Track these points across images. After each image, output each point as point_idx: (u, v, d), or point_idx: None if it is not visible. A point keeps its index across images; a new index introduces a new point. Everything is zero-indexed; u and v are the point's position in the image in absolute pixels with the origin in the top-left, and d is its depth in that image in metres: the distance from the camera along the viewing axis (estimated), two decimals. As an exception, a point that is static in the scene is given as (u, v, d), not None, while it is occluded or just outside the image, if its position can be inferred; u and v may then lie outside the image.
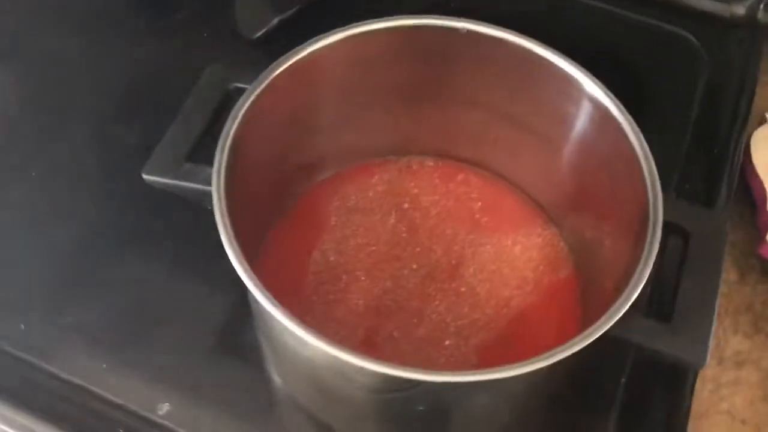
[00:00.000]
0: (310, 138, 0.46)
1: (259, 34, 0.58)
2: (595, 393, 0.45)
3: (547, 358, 0.34)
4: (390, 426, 0.45)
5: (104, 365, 0.46)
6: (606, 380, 0.45)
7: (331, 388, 0.41)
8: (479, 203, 0.50)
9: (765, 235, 0.51)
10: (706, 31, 0.59)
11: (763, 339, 0.53)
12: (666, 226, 0.37)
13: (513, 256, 0.48)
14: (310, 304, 0.45)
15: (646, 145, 0.38)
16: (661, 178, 0.38)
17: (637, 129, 0.38)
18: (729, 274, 0.52)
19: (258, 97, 0.40)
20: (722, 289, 0.38)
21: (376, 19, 0.42)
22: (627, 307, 0.34)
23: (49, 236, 0.51)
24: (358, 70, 0.44)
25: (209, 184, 0.38)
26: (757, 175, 0.54)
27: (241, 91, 0.42)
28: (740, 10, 0.58)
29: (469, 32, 0.43)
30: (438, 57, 0.44)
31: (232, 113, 0.39)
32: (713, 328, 0.35)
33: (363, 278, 0.46)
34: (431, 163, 0.51)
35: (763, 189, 0.53)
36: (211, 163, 0.39)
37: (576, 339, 0.34)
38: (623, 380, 0.45)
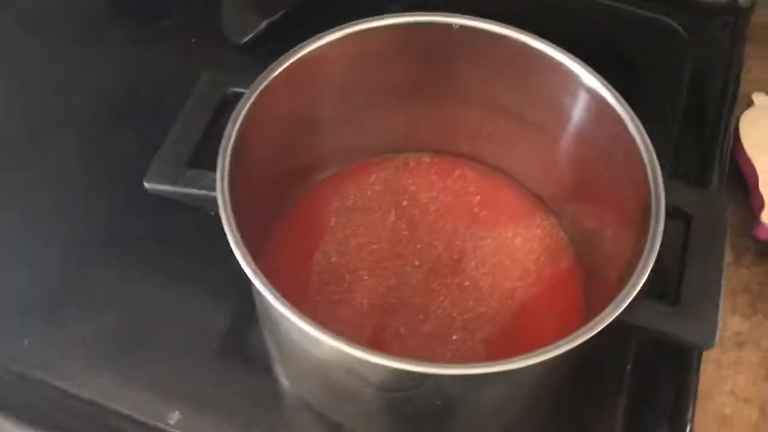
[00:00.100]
0: (309, 138, 0.46)
1: (247, 38, 0.58)
2: (603, 378, 0.46)
3: (559, 347, 0.34)
4: (400, 422, 0.45)
5: (111, 377, 0.46)
6: (613, 366, 0.46)
7: (340, 386, 0.41)
8: (477, 197, 0.50)
9: (759, 216, 0.52)
10: (689, 18, 0.60)
11: (761, 319, 0.53)
12: (667, 210, 0.37)
13: (514, 248, 0.48)
14: (314, 305, 0.45)
15: (645, 133, 0.38)
16: (654, 165, 0.38)
17: (636, 118, 0.39)
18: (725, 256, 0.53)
19: (257, 99, 0.40)
20: (720, 270, 0.39)
21: (373, 17, 0.42)
22: (635, 293, 0.35)
23: (48, 249, 0.50)
24: (356, 68, 0.44)
25: (212, 189, 0.38)
26: (747, 158, 0.54)
27: (238, 96, 0.42)
28: (722, -5, 0.59)
29: (462, 28, 0.43)
30: (434, 53, 0.44)
31: (233, 117, 0.39)
32: (721, 309, 0.36)
33: (366, 277, 0.47)
34: (428, 160, 0.51)
35: (754, 171, 0.54)
36: (212, 168, 0.39)
37: (587, 326, 0.34)
38: (629, 365, 0.46)
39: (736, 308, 0.53)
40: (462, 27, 0.43)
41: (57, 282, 0.49)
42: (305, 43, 0.42)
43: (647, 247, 0.36)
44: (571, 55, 0.41)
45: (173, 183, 0.39)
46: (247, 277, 0.40)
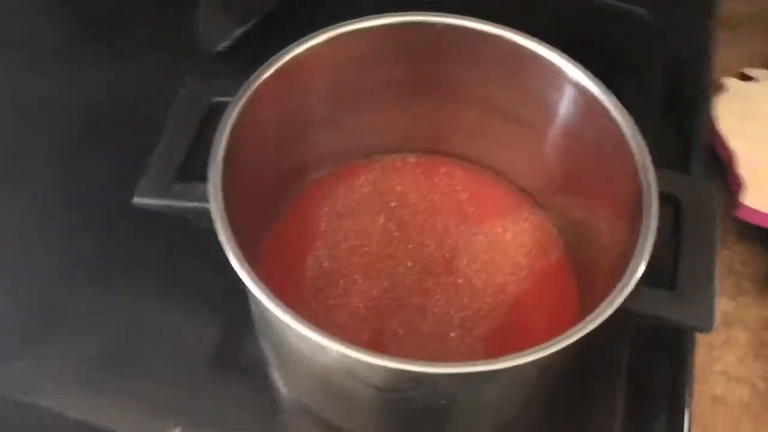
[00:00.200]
0: (298, 143, 0.46)
1: (222, 46, 0.57)
2: (599, 367, 0.46)
3: (562, 340, 0.34)
4: (402, 423, 0.44)
5: (108, 397, 0.45)
6: (609, 353, 0.46)
7: (340, 389, 0.41)
8: (465, 194, 0.50)
9: (739, 198, 0.53)
10: (661, 7, 0.61)
11: (746, 299, 0.55)
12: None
13: (505, 243, 0.48)
14: (310, 311, 0.45)
15: (634, 124, 0.39)
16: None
17: (624, 110, 0.39)
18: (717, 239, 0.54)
19: (244, 107, 0.39)
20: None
21: (359, 18, 0.42)
22: (635, 282, 0.35)
23: (34, 270, 0.49)
24: (342, 71, 0.44)
25: (204, 201, 0.38)
26: (723, 141, 0.55)
27: (222, 105, 0.41)
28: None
29: (447, 26, 0.43)
30: (421, 53, 0.44)
31: (221, 127, 0.39)
32: (717, 293, 0.36)
33: (360, 281, 0.46)
34: (413, 160, 0.51)
35: (731, 153, 0.55)
36: (201, 180, 0.39)
37: (589, 318, 0.34)
38: (624, 352, 0.46)
39: (721, 289, 0.54)
40: (446, 26, 0.43)
41: (45, 303, 0.48)
42: (290, 47, 0.41)
43: (642, 237, 0.36)
44: (557, 50, 0.41)
45: (163, 197, 0.39)
46: (243, 286, 0.39)
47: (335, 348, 0.34)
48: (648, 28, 0.61)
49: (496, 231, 0.49)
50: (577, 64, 0.41)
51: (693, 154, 0.53)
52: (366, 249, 0.48)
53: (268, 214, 0.47)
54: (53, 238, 0.51)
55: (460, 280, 0.46)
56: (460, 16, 0.43)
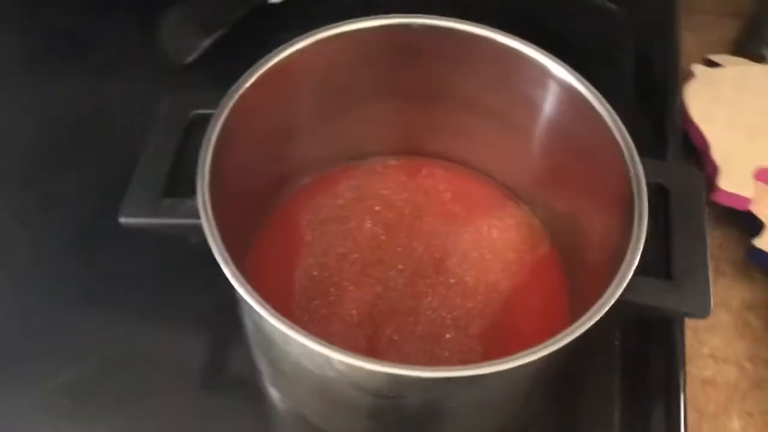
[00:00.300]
0: (280, 151, 0.45)
1: (191, 58, 0.56)
2: (594, 357, 0.46)
3: (564, 337, 0.34)
4: (403, 427, 0.44)
5: (93, 424, 0.44)
6: (602, 341, 0.47)
7: (339, 398, 0.41)
8: (449, 194, 0.50)
9: (716, 182, 0.54)
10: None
11: (726, 282, 0.55)
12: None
13: (492, 240, 0.48)
14: (303, 323, 0.44)
15: (617, 117, 0.39)
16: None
17: (607, 104, 0.39)
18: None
19: (227, 118, 0.39)
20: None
21: (336, 23, 0.42)
22: (630, 274, 0.35)
23: (9, 299, 0.48)
24: (321, 76, 0.43)
25: (192, 216, 0.37)
26: (696, 126, 0.56)
27: (204, 118, 0.41)
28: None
29: (421, 27, 0.43)
30: (398, 55, 0.44)
31: (205, 140, 0.38)
32: (711, 279, 0.37)
33: (351, 288, 0.46)
34: (394, 162, 0.51)
35: (705, 139, 0.56)
36: (187, 195, 0.38)
37: (590, 312, 0.34)
38: (617, 339, 0.47)
39: (702, 273, 0.55)
40: (422, 26, 0.43)
41: (24, 328, 0.47)
42: (270, 55, 0.41)
43: (635, 228, 0.36)
44: (539, 48, 0.41)
45: (151, 215, 0.38)
46: (236, 301, 0.39)
47: (339, 358, 0.33)
48: (615, 19, 0.61)
49: (482, 229, 0.49)
50: (560, 62, 0.41)
51: (669, 141, 0.54)
52: (355, 255, 0.47)
53: (252, 227, 0.47)
54: (29, 260, 0.50)
55: (452, 280, 0.46)
56: (438, 17, 0.43)
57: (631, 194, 0.38)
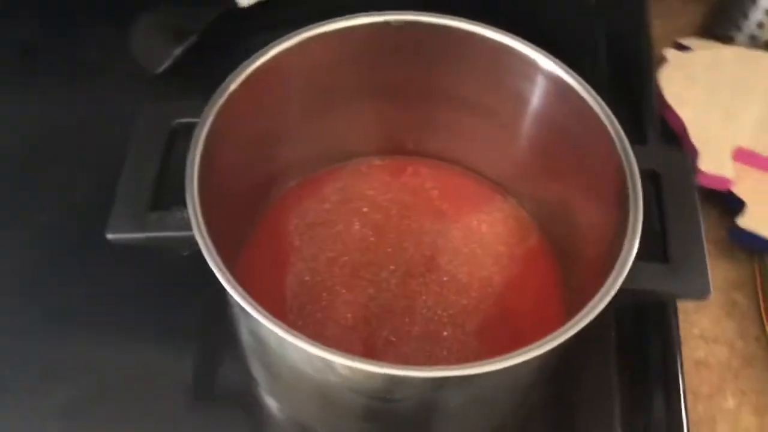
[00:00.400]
0: (265, 156, 0.45)
1: (164, 67, 0.55)
2: (589, 341, 0.46)
3: (571, 328, 0.34)
4: (405, 427, 0.44)
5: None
6: (597, 328, 0.46)
7: (339, 402, 0.40)
8: (435, 191, 0.50)
9: (696, 165, 0.54)
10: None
11: (710, 262, 0.55)
12: (637, 172, 0.38)
13: (481, 235, 0.48)
14: (297, 328, 0.42)
15: (606, 106, 0.39)
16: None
17: (595, 93, 0.39)
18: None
19: (212, 125, 0.38)
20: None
21: (319, 23, 0.41)
22: (631, 260, 0.35)
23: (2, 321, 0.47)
24: (304, 77, 0.43)
25: (182, 228, 0.36)
26: (672, 110, 0.57)
27: (186, 126, 0.40)
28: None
29: (401, 23, 0.42)
30: (382, 53, 0.43)
31: (191, 149, 0.37)
32: (707, 260, 0.37)
33: (344, 291, 0.45)
34: (379, 162, 0.50)
35: (682, 122, 0.56)
36: (174, 206, 0.37)
37: (594, 300, 0.34)
38: (612, 324, 0.47)
39: (687, 255, 0.55)
40: (402, 23, 0.42)
41: (7, 352, 0.46)
42: (251, 59, 0.40)
43: (632, 215, 0.36)
44: (524, 41, 0.41)
45: (139, 229, 0.37)
46: (232, 310, 0.38)
47: (341, 362, 0.33)
48: (585, 8, 0.62)
49: (471, 224, 0.48)
50: (548, 54, 0.41)
51: (648, 127, 0.54)
52: (345, 258, 0.47)
53: (240, 235, 0.46)
54: (9, 281, 0.48)
55: (445, 278, 0.46)
56: (417, 13, 0.42)
57: (623, 182, 0.38)
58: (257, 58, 0.39)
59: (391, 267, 0.46)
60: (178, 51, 0.55)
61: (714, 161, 0.54)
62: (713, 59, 0.59)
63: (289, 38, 0.40)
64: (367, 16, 0.41)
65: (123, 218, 0.37)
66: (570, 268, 0.46)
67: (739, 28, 0.63)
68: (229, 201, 0.42)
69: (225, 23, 0.59)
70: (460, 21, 0.41)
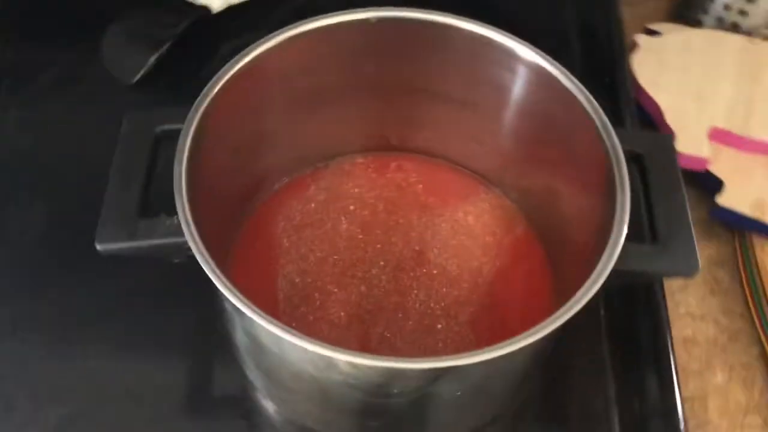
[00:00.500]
0: (249, 159, 0.44)
1: (138, 76, 0.55)
2: (580, 324, 0.47)
3: (566, 311, 0.34)
4: (405, 422, 0.44)
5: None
6: (586, 310, 0.47)
7: (338, 398, 0.40)
8: (420, 186, 0.50)
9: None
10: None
11: (692, 241, 0.57)
12: (621, 155, 0.39)
13: (468, 226, 0.48)
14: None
15: (587, 92, 0.39)
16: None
17: (576, 80, 0.40)
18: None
19: (197, 130, 0.38)
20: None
21: (297, 23, 0.41)
22: (621, 242, 0.35)
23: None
24: (285, 78, 0.43)
25: (173, 235, 0.36)
26: (647, 94, 0.58)
27: (170, 133, 0.39)
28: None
29: (379, 20, 0.43)
30: (359, 50, 0.43)
31: (177, 156, 0.37)
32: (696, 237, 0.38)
33: (336, 290, 0.45)
34: (361, 160, 0.50)
35: (657, 106, 0.57)
36: (162, 213, 0.37)
37: (588, 283, 0.35)
38: (601, 306, 0.47)
39: (669, 236, 0.56)
40: (381, 20, 0.42)
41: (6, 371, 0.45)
42: (230, 63, 0.40)
43: (619, 198, 0.37)
44: (503, 31, 0.41)
45: (129, 239, 0.36)
46: (229, 315, 0.38)
47: (346, 359, 0.33)
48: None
49: (457, 216, 0.49)
50: (527, 44, 0.41)
51: (624, 112, 0.55)
52: (334, 257, 0.47)
53: (229, 239, 0.46)
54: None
55: (435, 271, 0.46)
56: (395, 8, 0.43)
57: (608, 165, 0.38)
58: (239, 60, 0.39)
59: (381, 263, 0.46)
60: (152, 60, 0.55)
61: (691, 142, 0.54)
62: (683, 43, 0.60)
63: (269, 39, 0.40)
64: (345, 13, 0.41)
65: (112, 228, 0.36)
66: (559, 254, 0.46)
67: (705, 11, 0.64)
68: (216, 206, 0.41)
69: (196, 30, 0.59)
70: (438, 14, 0.42)
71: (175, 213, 0.36)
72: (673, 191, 0.39)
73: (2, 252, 0.49)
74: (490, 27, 0.41)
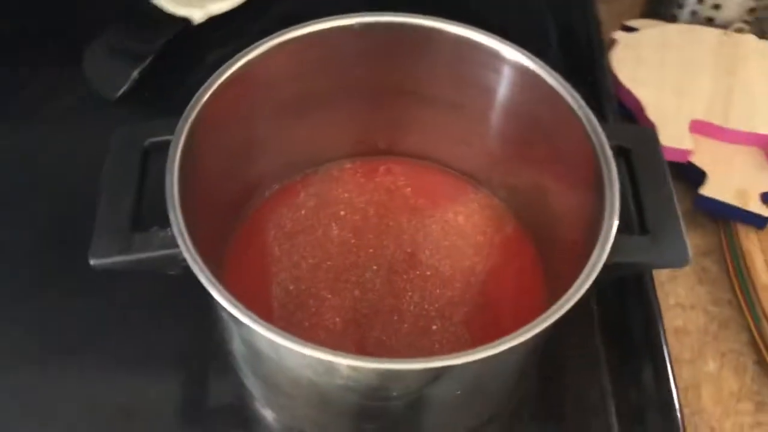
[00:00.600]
0: (238, 168, 0.44)
1: (121, 91, 0.55)
2: (572, 317, 0.47)
3: (562, 306, 0.34)
4: (403, 423, 0.44)
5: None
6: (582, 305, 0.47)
7: (338, 402, 0.40)
8: (409, 189, 0.50)
9: (656, 140, 0.56)
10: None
11: (680, 232, 0.58)
12: (608, 150, 0.39)
13: (459, 226, 0.49)
14: (288, 337, 0.44)
15: (573, 90, 0.40)
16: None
17: (561, 78, 0.40)
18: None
19: (186, 141, 0.38)
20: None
21: (282, 30, 0.41)
22: (613, 236, 0.36)
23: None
24: (270, 86, 0.43)
25: (168, 247, 0.36)
26: (627, 90, 0.58)
27: (159, 145, 0.39)
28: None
29: (363, 26, 0.43)
30: (346, 56, 0.44)
31: (168, 167, 0.37)
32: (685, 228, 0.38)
33: (330, 296, 0.45)
34: (349, 165, 0.51)
35: (638, 101, 0.58)
36: (155, 225, 0.37)
37: (582, 277, 0.35)
38: (594, 304, 0.48)
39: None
40: (364, 25, 0.43)
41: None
42: (218, 72, 0.40)
43: (608, 192, 0.37)
44: (487, 33, 0.42)
45: (124, 253, 0.36)
46: (227, 325, 0.38)
47: (348, 363, 0.33)
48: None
49: (448, 217, 0.49)
50: (511, 44, 0.42)
51: (606, 109, 0.55)
52: (327, 263, 0.47)
53: (221, 249, 0.46)
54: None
55: (428, 272, 0.47)
56: (378, 13, 0.43)
57: (596, 161, 0.39)
58: (227, 68, 0.39)
59: (374, 267, 0.47)
60: (135, 74, 0.55)
61: (672, 135, 0.55)
62: (661, 38, 0.61)
63: (257, 46, 0.40)
64: (330, 20, 0.42)
65: (106, 243, 0.36)
66: (549, 251, 0.47)
67: (680, 6, 0.65)
68: (208, 215, 0.41)
69: (178, 42, 0.59)
70: (422, 18, 0.42)
71: (168, 225, 0.36)
72: (661, 183, 0.40)
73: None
74: (476, 29, 0.42)
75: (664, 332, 0.47)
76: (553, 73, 0.41)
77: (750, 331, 0.52)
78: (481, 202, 0.50)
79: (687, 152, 0.55)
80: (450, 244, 0.48)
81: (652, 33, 0.62)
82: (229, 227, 0.46)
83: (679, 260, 0.38)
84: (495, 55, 0.42)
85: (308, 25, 0.41)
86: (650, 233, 0.38)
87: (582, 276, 0.35)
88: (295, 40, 0.41)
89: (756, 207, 0.53)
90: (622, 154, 0.41)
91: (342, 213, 0.48)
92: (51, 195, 0.50)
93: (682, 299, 0.55)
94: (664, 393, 0.45)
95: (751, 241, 0.54)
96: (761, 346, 0.51)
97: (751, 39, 0.62)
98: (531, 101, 0.42)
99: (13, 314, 0.47)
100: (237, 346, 0.40)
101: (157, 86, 0.56)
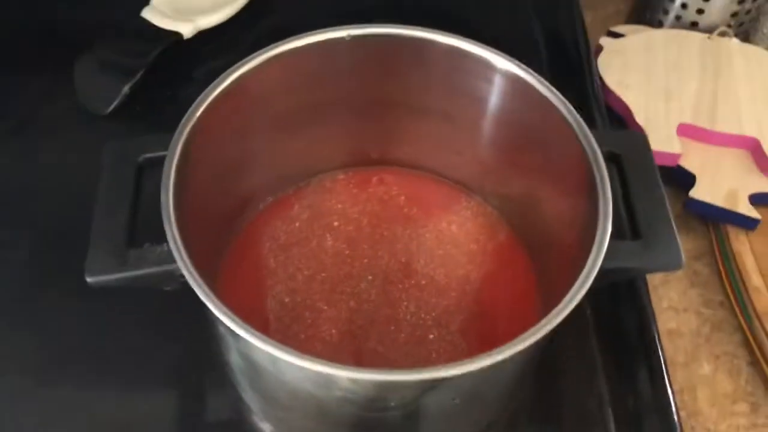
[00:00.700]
0: (232, 182, 0.45)
1: (112, 107, 0.55)
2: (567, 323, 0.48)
3: (560, 312, 0.34)
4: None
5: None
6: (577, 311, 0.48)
7: (336, 413, 0.40)
8: (402, 198, 0.50)
9: (644, 145, 0.56)
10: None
11: (671, 235, 0.58)
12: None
13: (453, 235, 0.49)
14: (285, 350, 0.44)
15: (563, 98, 0.40)
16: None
17: (550, 86, 0.41)
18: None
19: (181, 156, 0.38)
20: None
21: (272, 45, 0.41)
22: (606, 242, 0.36)
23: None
24: (263, 99, 0.43)
25: (164, 263, 0.36)
26: (615, 95, 0.59)
27: (153, 161, 0.39)
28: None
29: (355, 37, 0.43)
30: (337, 68, 0.44)
31: (164, 184, 0.37)
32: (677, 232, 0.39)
33: (326, 308, 0.45)
34: (342, 176, 0.51)
35: (625, 105, 0.58)
36: (150, 241, 0.37)
37: (577, 283, 0.35)
38: (588, 309, 0.48)
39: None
40: (356, 37, 0.43)
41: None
42: (211, 86, 0.40)
43: (601, 198, 0.37)
44: (478, 43, 0.42)
45: (120, 269, 0.36)
46: (226, 340, 0.38)
47: (348, 375, 0.33)
48: (521, 6, 0.64)
49: (441, 226, 0.49)
50: (502, 53, 0.42)
51: (595, 114, 0.56)
52: (322, 275, 0.47)
53: (215, 264, 0.46)
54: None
55: (423, 281, 0.47)
56: (371, 25, 0.43)
57: (587, 168, 0.39)
58: (220, 82, 0.40)
59: (369, 277, 0.47)
60: (125, 89, 0.55)
61: (661, 139, 0.56)
62: (647, 43, 0.62)
63: (250, 60, 0.40)
64: (323, 32, 0.42)
65: (102, 260, 0.36)
66: (543, 258, 0.47)
67: (665, 12, 0.66)
68: (203, 229, 0.41)
69: (168, 56, 0.59)
70: (413, 29, 0.42)
71: (161, 240, 0.36)
72: (652, 187, 0.40)
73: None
74: (467, 39, 0.42)
75: (659, 336, 0.47)
76: (544, 81, 0.41)
77: (743, 332, 0.53)
78: (474, 211, 0.50)
79: (676, 156, 0.56)
80: (444, 252, 0.48)
81: (638, 38, 0.62)
82: (224, 241, 0.46)
83: (672, 264, 0.38)
84: (486, 65, 0.42)
85: (301, 37, 0.41)
86: (642, 238, 0.39)
87: (577, 283, 0.35)
88: (287, 53, 0.41)
89: (745, 209, 0.54)
90: (613, 159, 0.42)
91: (336, 224, 0.49)
92: (42, 211, 0.50)
93: (675, 302, 0.55)
94: (661, 396, 0.45)
95: (741, 242, 0.54)
96: (754, 347, 0.51)
97: (734, 43, 0.63)
98: (522, 110, 0.43)
99: (8, 326, 0.47)
100: (234, 360, 0.40)
101: (148, 101, 0.56)
